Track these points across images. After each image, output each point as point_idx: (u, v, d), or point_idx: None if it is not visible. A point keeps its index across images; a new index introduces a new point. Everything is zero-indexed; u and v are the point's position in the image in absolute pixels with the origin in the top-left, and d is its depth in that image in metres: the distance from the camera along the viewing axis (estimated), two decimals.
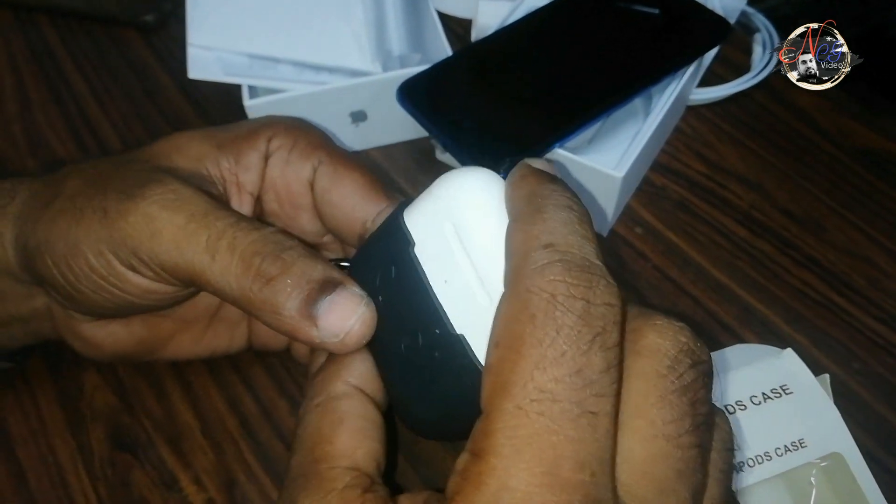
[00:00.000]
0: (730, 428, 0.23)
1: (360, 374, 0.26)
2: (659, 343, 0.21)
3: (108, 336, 0.32)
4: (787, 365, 0.32)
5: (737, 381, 0.31)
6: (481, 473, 0.19)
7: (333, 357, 0.26)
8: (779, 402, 0.30)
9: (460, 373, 0.23)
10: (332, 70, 0.44)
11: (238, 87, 0.42)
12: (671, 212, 0.42)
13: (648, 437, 0.20)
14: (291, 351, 0.34)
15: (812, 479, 0.30)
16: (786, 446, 0.29)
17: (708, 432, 0.21)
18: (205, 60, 0.43)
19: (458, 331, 0.23)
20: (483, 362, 0.22)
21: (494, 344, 0.20)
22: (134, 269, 0.28)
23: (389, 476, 0.25)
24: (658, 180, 0.44)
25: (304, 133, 0.31)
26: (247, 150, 0.31)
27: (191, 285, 0.28)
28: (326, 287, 0.25)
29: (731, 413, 0.30)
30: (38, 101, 0.49)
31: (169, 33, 0.52)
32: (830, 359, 0.36)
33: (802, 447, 0.30)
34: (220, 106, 0.48)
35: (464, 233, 0.24)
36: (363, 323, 0.25)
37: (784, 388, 0.31)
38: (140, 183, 0.28)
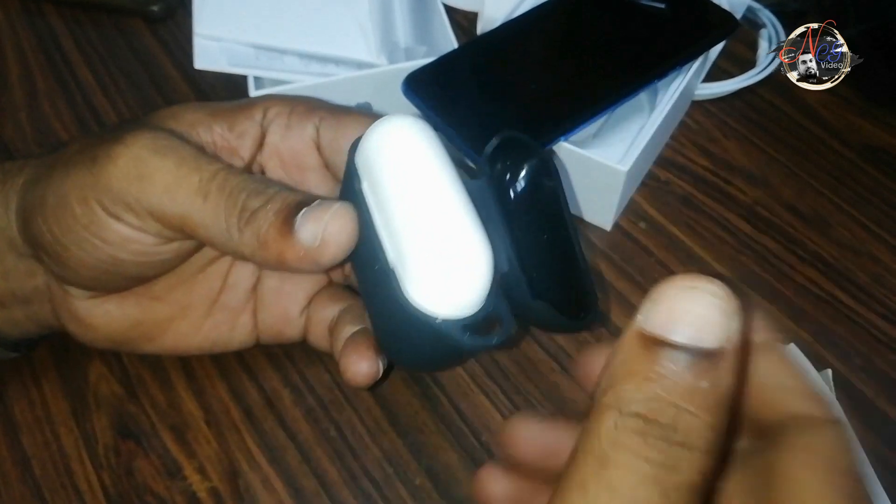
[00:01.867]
0: None
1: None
2: None
3: (103, 316, 0.32)
4: None
5: None
6: None
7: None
8: None
9: (394, 303, 0.24)
10: (337, 62, 0.44)
11: (244, 78, 0.42)
12: (675, 207, 0.42)
13: None
14: (308, 339, 0.34)
15: None
16: None
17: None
18: (211, 51, 0.43)
19: (391, 265, 0.24)
20: (410, 295, 0.24)
21: None
22: (117, 218, 0.27)
23: None
24: (662, 175, 0.44)
25: (299, 100, 0.32)
26: (241, 119, 0.31)
27: (178, 232, 0.28)
28: (303, 204, 0.26)
29: None
30: (44, 90, 0.49)
31: (175, 24, 0.53)
32: (833, 355, 0.36)
33: None
34: (226, 97, 0.47)
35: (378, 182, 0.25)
36: (337, 216, 0.25)
37: None
38: (130, 131, 0.28)
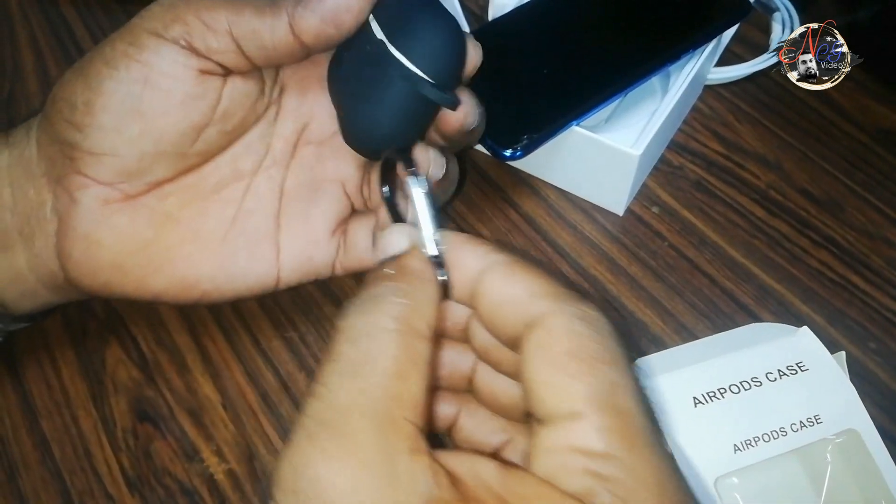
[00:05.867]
0: None
1: (434, 321, 0.23)
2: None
3: (111, 230, 0.31)
4: (803, 343, 0.32)
5: (752, 358, 0.31)
6: None
7: (416, 290, 0.23)
8: (794, 378, 0.31)
9: (388, 66, 0.29)
10: None
11: None
12: (688, 191, 0.42)
13: None
14: (340, 263, 0.35)
15: (828, 455, 0.30)
16: (801, 422, 0.30)
17: None
18: None
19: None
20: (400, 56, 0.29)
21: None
22: (158, 35, 0.29)
23: None
24: (675, 160, 0.44)
25: None
26: None
27: (216, 37, 0.30)
28: None
29: (745, 390, 0.31)
30: (58, 77, 0.49)
31: None
32: (847, 338, 0.36)
33: (818, 423, 0.30)
34: None
35: None
36: None
37: (800, 365, 0.31)
38: None
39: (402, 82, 0.29)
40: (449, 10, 0.45)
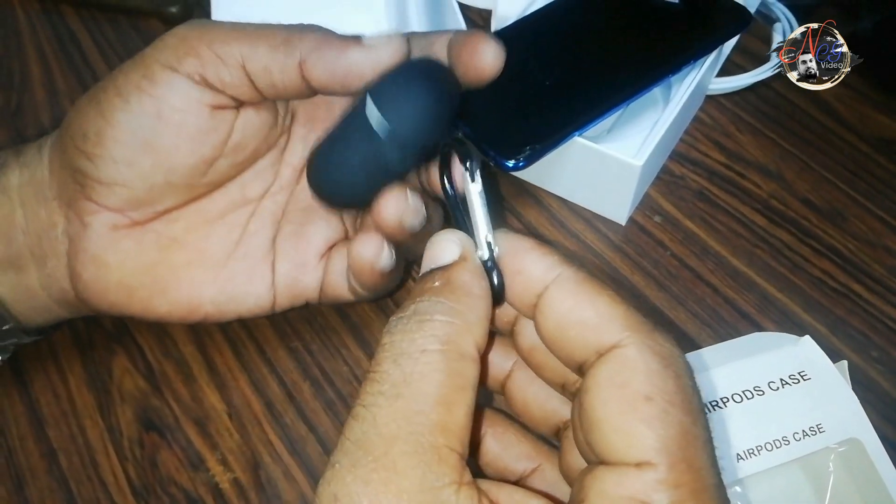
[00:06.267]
0: None
1: (483, 341, 0.23)
2: None
3: (119, 254, 0.32)
4: (805, 352, 0.32)
5: (754, 367, 0.31)
6: None
7: (464, 308, 0.22)
8: (796, 387, 0.31)
9: (358, 120, 0.29)
10: None
11: None
12: (690, 201, 0.42)
13: None
14: (324, 290, 0.35)
15: (830, 464, 0.30)
16: (804, 431, 0.30)
17: None
18: None
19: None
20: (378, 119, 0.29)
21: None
22: (173, 68, 0.29)
23: None
24: (677, 169, 0.44)
25: None
26: None
27: (233, 71, 0.30)
28: None
29: (748, 399, 0.31)
30: (65, 90, 0.50)
31: None
32: (849, 347, 0.37)
33: (820, 432, 0.30)
34: None
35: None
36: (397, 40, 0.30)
37: (802, 374, 0.31)
38: None
39: (359, 129, 0.30)
40: (452, 22, 0.45)
